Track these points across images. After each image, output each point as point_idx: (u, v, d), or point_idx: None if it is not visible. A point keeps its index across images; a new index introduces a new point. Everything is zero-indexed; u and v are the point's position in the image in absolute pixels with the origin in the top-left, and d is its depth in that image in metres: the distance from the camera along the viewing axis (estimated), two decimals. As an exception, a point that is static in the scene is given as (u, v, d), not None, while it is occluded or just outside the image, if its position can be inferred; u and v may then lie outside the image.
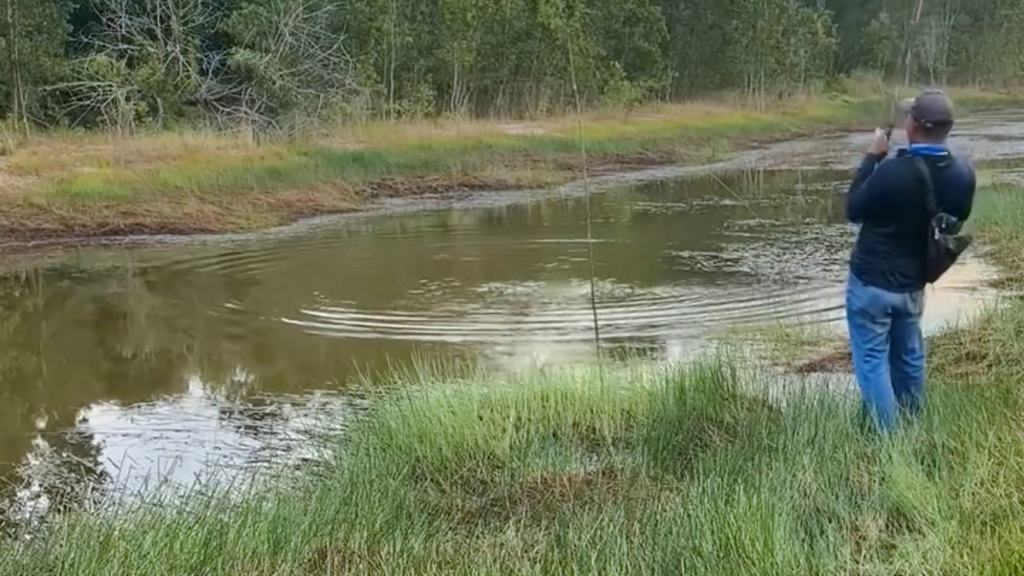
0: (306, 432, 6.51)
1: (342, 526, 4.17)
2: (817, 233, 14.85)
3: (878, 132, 5.28)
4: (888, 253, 5.01)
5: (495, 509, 4.59)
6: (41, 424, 7.38)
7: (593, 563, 3.71)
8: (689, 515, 4.05)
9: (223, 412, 7.25)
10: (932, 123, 4.93)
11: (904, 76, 46.42)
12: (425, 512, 4.44)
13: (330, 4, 23.70)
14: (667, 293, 10.83)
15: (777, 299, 10.36)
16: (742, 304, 10.15)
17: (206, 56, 22.89)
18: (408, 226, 17.09)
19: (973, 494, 4.17)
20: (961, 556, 3.63)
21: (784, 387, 5.96)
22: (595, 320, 7.10)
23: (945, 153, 4.96)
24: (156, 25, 22.46)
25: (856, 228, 5.32)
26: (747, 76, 41.22)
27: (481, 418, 5.56)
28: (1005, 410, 5.01)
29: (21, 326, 10.86)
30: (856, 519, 4.05)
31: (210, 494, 4.70)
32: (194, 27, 23.02)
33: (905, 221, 4.94)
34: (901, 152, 5.06)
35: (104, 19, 22.00)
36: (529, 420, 5.60)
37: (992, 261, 11.05)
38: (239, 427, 6.83)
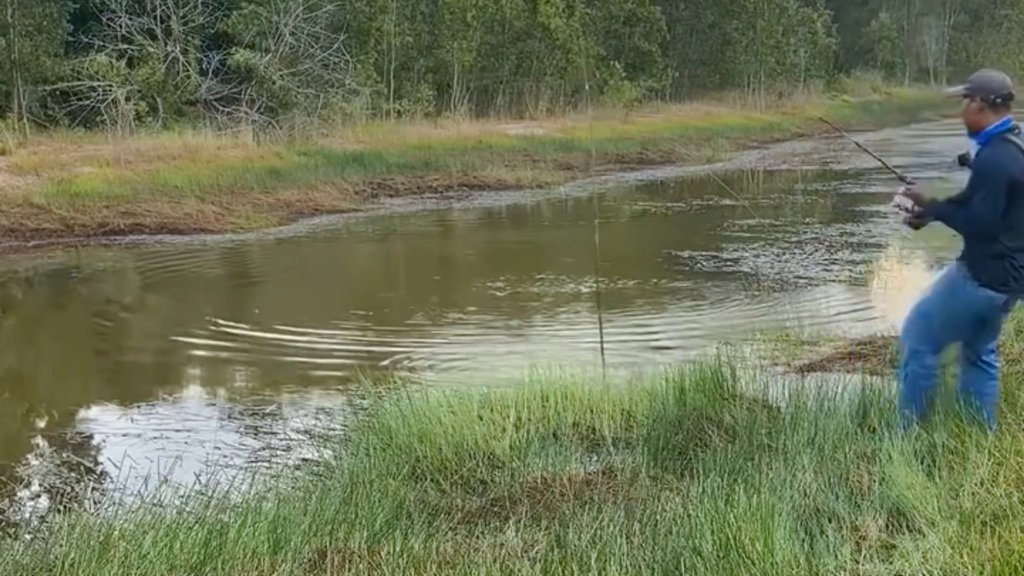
0: (306, 432, 6.51)
1: (342, 526, 4.17)
2: (817, 233, 14.85)
3: (904, 192, 4.99)
4: (1011, 250, 4.73)
5: (495, 509, 4.58)
6: (41, 424, 7.38)
7: (593, 563, 3.70)
8: (689, 515, 4.04)
9: (223, 412, 7.25)
10: (1000, 98, 4.76)
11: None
12: (425, 512, 4.44)
13: (330, 4, 23.70)
14: (667, 292, 10.83)
15: (776, 300, 10.35)
16: (742, 304, 10.15)
17: (206, 56, 22.88)
18: (408, 226, 17.08)
19: (973, 494, 4.17)
20: (961, 556, 3.63)
21: (784, 387, 5.95)
22: (600, 324, 7.10)
23: (1015, 124, 4.78)
24: (156, 25, 22.45)
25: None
26: (747, 76, 41.22)
27: (481, 418, 5.56)
28: (1005, 410, 5.02)
29: (21, 326, 10.86)
30: (856, 519, 4.05)
31: (210, 494, 4.70)
32: (194, 27, 23.01)
33: (1020, 204, 4.68)
34: (963, 158, 4.86)
35: (104, 19, 21.99)
36: (529, 420, 5.61)
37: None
38: (239, 427, 6.83)
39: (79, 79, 20.87)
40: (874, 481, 4.39)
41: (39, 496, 5.75)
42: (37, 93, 21.12)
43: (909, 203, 4.95)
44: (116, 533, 4.01)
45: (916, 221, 5.03)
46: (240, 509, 4.39)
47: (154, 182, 16.65)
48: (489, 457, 5.16)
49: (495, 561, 3.78)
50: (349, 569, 3.81)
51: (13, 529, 5.13)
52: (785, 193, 20.98)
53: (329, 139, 21.96)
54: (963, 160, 4.92)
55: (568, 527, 4.08)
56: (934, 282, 5.18)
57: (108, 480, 5.91)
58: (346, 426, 6.41)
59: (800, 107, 40.75)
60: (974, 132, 4.84)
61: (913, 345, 5.04)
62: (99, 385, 8.41)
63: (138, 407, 7.38)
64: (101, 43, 21.56)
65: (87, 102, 20.61)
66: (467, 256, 15.08)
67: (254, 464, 5.90)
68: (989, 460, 4.43)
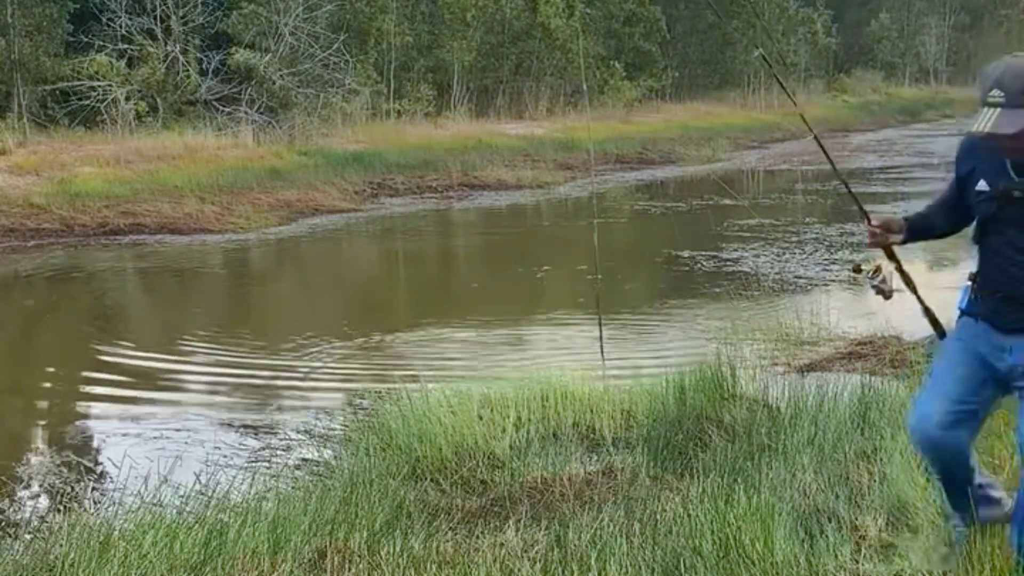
0: (306, 432, 6.52)
1: (342, 526, 4.17)
2: (817, 233, 14.85)
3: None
4: None
5: (495, 509, 4.58)
6: (41, 424, 7.38)
7: (593, 563, 3.70)
8: (689, 515, 4.04)
9: (223, 412, 7.24)
10: None
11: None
12: (425, 512, 4.44)
13: (330, 4, 23.72)
14: (667, 292, 10.83)
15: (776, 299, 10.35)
16: (742, 304, 10.14)
17: (206, 56, 22.90)
18: (408, 226, 17.08)
19: (973, 494, 4.16)
20: (961, 556, 3.63)
21: (784, 387, 5.95)
22: (599, 324, 7.10)
23: None
24: (156, 25, 22.47)
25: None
26: (747, 76, 41.24)
27: (481, 418, 5.55)
28: (1005, 410, 5.01)
29: (20, 326, 10.86)
30: (856, 519, 4.05)
31: (210, 494, 4.70)
32: (194, 27, 23.04)
33: None
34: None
35: (104, 19, 22.02)
36: (529, 420, 5.60)
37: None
38: (239, 427, 6.82)
39: (79, 79, 20.89)
40: (874, 481, 4.39)
41: (39, 496, 5.75)
42: (37, 93, 21.13)
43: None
44: (116, 533, 4.00)
45: None
46: (240, 509, 4.38)
47: (154, 182, 16.67)
48: (489, 457, 5.16)
49: (495, 561, 3.78)
50: (349, 569, 3.81)
51: (13, 529, 5.13)
52: (785, 193, 20.97)
53: (329, 139, 21.98)
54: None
55: (568, 527, 4.07)
56: None
57: (108, 480, 5.91)
58: (346, 426, 6.42)
59: (800, 107, 40.73)
60: None
61: None
62: (99, 385, 8.40)
63: (138, 407, 7.38)
64: (101, 43, 21.58)
65: (87, 102, 20.63)
66: (467, 256, 15.07)
67: (254, 464, 5.89)
68: (989, 460, 4.42)
